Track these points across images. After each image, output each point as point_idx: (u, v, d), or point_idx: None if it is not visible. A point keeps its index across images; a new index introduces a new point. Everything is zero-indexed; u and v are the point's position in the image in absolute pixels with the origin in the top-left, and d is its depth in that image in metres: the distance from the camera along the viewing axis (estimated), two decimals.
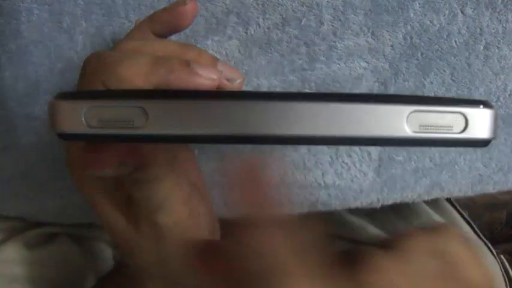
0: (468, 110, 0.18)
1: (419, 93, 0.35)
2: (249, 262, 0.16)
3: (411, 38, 0.34)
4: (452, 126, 0.18)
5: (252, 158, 0.17)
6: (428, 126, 0.17)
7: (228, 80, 0.26)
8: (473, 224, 0.48)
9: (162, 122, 0.17)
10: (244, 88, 0.31)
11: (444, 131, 0.18)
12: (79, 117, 0.18)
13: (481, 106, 0.18)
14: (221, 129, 0.17)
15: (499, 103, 0.36)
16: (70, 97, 0.18)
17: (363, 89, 0.35)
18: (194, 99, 0.17)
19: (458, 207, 0.47)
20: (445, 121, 0.17)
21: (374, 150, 0.36)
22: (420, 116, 0.17)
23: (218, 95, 0.18)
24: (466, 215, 0.48)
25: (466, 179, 0.38)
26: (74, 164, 0.26)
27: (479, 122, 0.18)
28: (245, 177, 0.17)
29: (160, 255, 0.27)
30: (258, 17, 0.33)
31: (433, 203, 0.46)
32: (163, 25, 0.27)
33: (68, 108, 0.18)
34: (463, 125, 0.18)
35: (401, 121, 0.17)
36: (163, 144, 0.23)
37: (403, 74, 0.35)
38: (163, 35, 0.27)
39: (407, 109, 0.17)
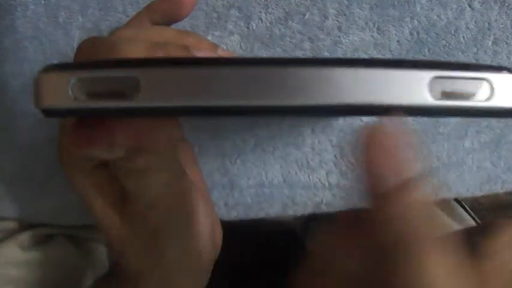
0: (494, 76, 0.16)
1: None
2: (390, 230, 0.16)
3: (418, 33, 0.33)
4: (477, 94, 0.16)
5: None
6: (451, 93, 0.16)
7: None
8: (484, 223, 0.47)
9: (156, 93, 0.16)
10: None
11: (468, 98, 0.16)
12: (65, 90, 0.16)
13: (505, 72, 0.16)
14: (223, 100, 0.15)
15: None
16: (56, 69, 0.17)
17: None
18: (192, 66, 0.15)
19: (467, 208, 0.46)
20: (469, 88, 0.16)
21: None
22: (442, 82, 0.16)
23: (220, 61, 0.16)
24: (475, 216, 0.47)
25: (474, 178, 0.37)
26: (65, 153, 0.24)
27: (506, 90, 0.16)
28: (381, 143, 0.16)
29: (156, 257, 0.26)
30: (260, 12, 0.32)
31: (442, 203, 0.45)
32: (162, 14, 0.26)
33: (54, 81, 0.16)
34: (488, 92, 0.16)
35: (423, 88, 0.16)
36: (158, 118, 0.22)
37: None
38: (161, 25, 0.26)
39: (429, 74, 0.16)
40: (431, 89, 0.16)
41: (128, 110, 0.16)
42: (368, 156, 0.16)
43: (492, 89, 0.16)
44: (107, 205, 0.25)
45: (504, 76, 0.16)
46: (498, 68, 0.16)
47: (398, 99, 0.15)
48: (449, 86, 0.16)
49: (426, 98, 0.16)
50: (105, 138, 0.19)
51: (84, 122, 0.20)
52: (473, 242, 0.18)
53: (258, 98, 0.15)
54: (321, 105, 0.15)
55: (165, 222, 0.25)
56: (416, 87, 0.16)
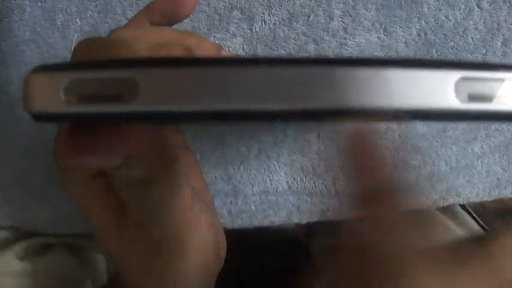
0: None
1: None
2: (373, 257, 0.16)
3: (425, 34, 0.32)
4: (505, 97, 0.15)
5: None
6: (478, 95, 0.15)
7: None
8: (488, 230, 0.46)
9: (157, 96, 0.14)
10: None
11: (496, 102, 0.15)
12: (57, 93, 0.15)
13: None
14: (230, 104, 0.14)
15: None
16: (47, 70, 0.15)
17: None
18: (196, 67, 0.14)
19: (472, 212, 0.45)
20: (497, 90, 0.15)
21: (387, 155, 0.34)
22: (469, 84, 0.15)
23: (226, 61, 0.15)
24: (480, 221, 0.46)
25: (483, 183, 0.36)
26: (61, 161, 0.23)
27: None
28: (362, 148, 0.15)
29: (155, 271, 0.25)
30: (263, 13, 0.31)
31: (446, 208, 0.45)
32: (161, 14, 0.25)
33: (45, 83, 0.15)
34: None
35: (448, 89, 0.14)
36: (159, 124, 0.20)
37: None
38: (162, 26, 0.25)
39: (454, 75, 0.14)
40: (457, 91, 0.14)
41: (126, 115, 0.15)
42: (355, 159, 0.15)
43: None
44: (104, 216, 0.24)
45: None
46: None
47: (421, 103, 0.14)
48: (476, 87, 0.15)
49: (452, 101, 0.14)
50: (100, 146, 0.18)
51: (77, 127, 0.18)
52: (469, 248, 0.17)
53: (270, 101, 0.14)
54: (331, 109, 0.14)
55: (166, 234, 0.24)
56: (441, 90, 0.14)
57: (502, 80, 0.15)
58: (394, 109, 0.14)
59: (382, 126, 0.33)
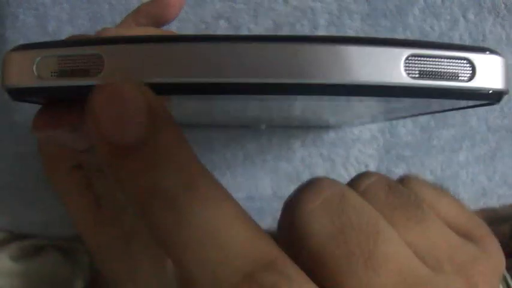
0: (476, 56, 0.15)
1: None
2: None
3: None
4: (458, 74, 0.15)
5: None
6: (429, 72, 0.15)
7: None
8: None
9: (119, 69, 0.15)
10: None
11: (447, 79, 0.15)
12: (30, 69, 0.16)
13: (488, 52, 0.15)
14: (187, 77, 0.15)
15: (503, 113, 0.34)
16: (23, 48, 0.17)
17: None
18: (153, 43, 0.15)
19: None
20: (449, 68, 0.15)
21: (371, 163, 0.34)
22: (420, 61, 0.15)
23: (184, 38, 0.15)
24: None
25: (469, 192, 0.36)
26: (44, 152, 0.24)
27: (489, 70, 0.15)
28: None
29: (130, 269, 0.25)
30: (249, 22, 0.32)
31: None
32: (148, 17, 0.26)
33: (19, 59, 0.16)
34: (469, 72, 0.15)
35: (398, 66, 0.15)
36: None
37: None
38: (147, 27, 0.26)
39: (404, 52, 0.15)
40: (407, 68, 0.15)
41: (90, 88, 0.15)
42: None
43: (474, 68, 0.15)
44: (82, 209, 0.24)
45: (487, 57, 0.15)
46: (481, 49, 0.16)
47: (370, 78, 0.15)
48: (427, 65, 0.15)
49: (401, 76, 0.15)
50: (67, 120, 0.19)
51: (50, 106, 0.19)
52: None
53: (223, 75, 0.15)
54: (281, 83, 0.14)
55: (139, 229, 0.24)
56: (391, 66, 0.15)
57: (453, 58, 0.15)
58: (342, 84, 0.14)
59: (366, 134, 0.34)
